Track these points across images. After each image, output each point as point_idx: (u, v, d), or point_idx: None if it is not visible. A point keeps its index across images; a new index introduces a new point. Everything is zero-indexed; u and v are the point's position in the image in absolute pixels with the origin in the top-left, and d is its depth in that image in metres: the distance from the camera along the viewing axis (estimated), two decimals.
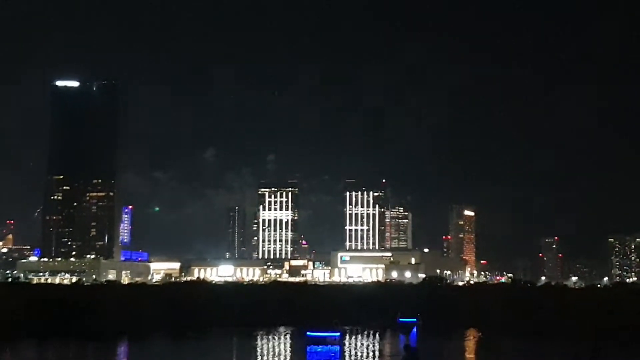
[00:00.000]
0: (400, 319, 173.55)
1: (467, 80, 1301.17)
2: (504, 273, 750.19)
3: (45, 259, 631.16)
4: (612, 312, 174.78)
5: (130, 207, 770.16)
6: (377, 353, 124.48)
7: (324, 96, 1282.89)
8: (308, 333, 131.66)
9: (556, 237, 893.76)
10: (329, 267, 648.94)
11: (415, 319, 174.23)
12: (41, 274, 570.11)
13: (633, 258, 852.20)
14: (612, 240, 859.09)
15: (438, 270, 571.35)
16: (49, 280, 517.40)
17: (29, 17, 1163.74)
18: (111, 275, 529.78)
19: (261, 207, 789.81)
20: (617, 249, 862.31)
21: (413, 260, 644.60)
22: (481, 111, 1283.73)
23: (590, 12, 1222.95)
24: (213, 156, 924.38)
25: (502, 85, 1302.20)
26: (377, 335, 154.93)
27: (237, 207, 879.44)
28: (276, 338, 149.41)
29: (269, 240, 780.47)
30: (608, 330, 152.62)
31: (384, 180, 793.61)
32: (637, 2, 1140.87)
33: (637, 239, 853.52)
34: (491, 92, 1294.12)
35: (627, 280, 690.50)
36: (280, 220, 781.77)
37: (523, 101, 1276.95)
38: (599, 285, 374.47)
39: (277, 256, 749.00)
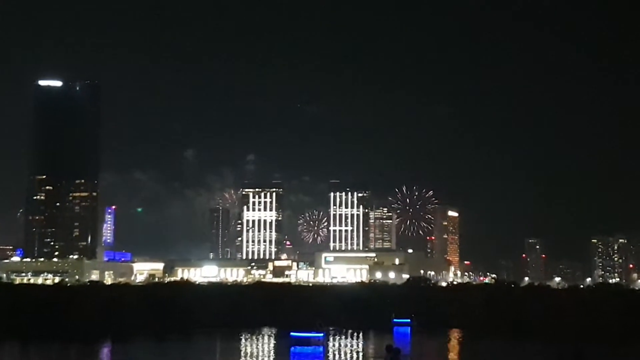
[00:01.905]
0: (395, 320, 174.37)
1: (448, 82, 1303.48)
2: (488, 274, 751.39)
3: (28, 259, 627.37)
4: (595, 313, 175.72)
5: (113, 207, 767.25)
6: (360, 353, 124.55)
7: (304, 95, 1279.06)
8: (292, 334, 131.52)
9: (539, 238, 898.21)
10: (313, 268, 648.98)
11: (409, 320, 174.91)
12: (24, 274, 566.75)
13: (616, 259, 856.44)
14: (595, 241, 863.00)
15: (422, 271, 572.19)
16: (32, 281, 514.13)
17: (12, 16, 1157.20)
18: (94, 276, 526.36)
19: (245, 207, 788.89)
20: (600, 250, 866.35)
21: (397, 261, 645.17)
22: (464, 111, 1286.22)
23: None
24: (192, 156, 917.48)
25: (486, 85, 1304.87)
26: (360, 335, 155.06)
27: (220, 208, 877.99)
28: (260, 339, 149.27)
29: (253, 241, 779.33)
30: (591, 330, 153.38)
31: None
32: None
33: (620, 240, 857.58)
34: (474, 91, 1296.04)
35: (610, 281, 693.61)
36: (264, 221, 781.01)
37: (506, 101, 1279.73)
38: (581, 286, 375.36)
39: (261, 257, 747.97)
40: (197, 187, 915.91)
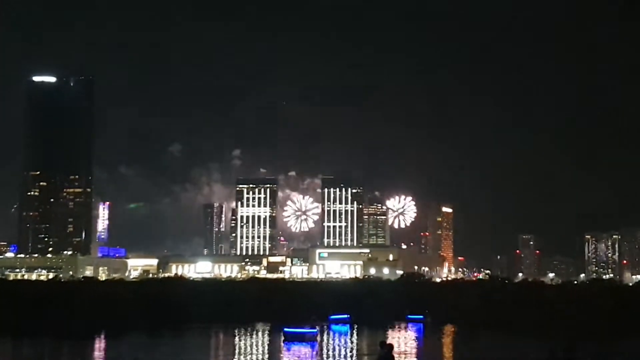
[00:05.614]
0: (409, 316, 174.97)
1: (445, 79, 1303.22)
2: (482, 269, 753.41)
3: (22, 255, 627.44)
4: (588, 309, 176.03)
5: (107, 203, 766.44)
6: (354, 349, 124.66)
7: (295, 92, 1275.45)
8: (286, 329, 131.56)
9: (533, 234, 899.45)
10: (307, 264, 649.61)
11: (422, 316, 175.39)
12: (18, 270, 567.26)
13: (609, 255, 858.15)
14: (588, 237, 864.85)
15: (416, 267, 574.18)
16: (26, 277, 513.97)
17: (4, 11, 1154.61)
18: (88, 272, 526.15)
19: (239, 203, 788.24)
20: (593, 246, 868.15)
21: (391, 257, 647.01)
22: (458, 108, 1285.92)
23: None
24: (178, 151, 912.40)
25: (481, 83, 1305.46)
26: (354, 331, 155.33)
27: (215, 203, 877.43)
28: (254, 335, 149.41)
29: (247, 237, 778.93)
30: (584, 326, 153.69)
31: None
32: None
33: (614, 236, 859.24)
34: (469, 88, 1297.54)
35: (604, 277, 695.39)
36: (259, 217, 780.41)
37: (501, 98, 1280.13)
38: (575, 282, 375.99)
39: (255, 252, 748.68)
40: (184, 183, 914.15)
